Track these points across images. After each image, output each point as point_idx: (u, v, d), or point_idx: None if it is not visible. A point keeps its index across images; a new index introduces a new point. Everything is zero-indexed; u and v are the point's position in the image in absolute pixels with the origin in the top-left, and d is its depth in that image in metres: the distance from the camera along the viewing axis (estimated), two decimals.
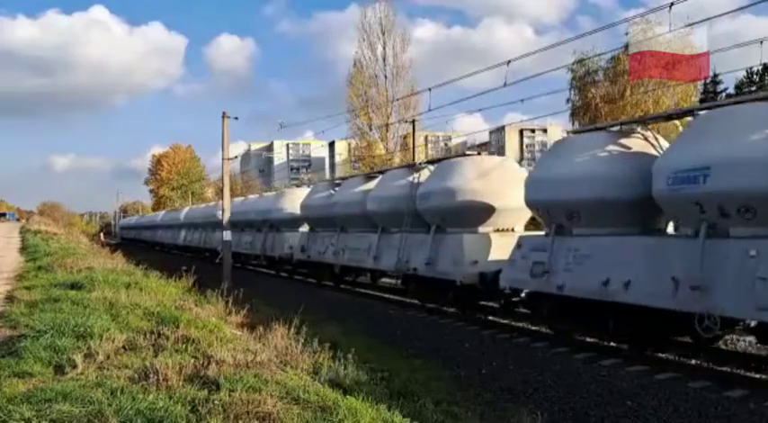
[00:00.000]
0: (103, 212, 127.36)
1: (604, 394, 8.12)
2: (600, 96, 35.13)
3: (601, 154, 10.11)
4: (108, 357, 6.29)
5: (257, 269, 28.36)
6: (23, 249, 24.22)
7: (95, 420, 4.41)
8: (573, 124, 37.24)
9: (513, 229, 13.77)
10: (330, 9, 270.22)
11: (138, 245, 59.87)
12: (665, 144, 10.11)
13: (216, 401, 4.89)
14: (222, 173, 25.40)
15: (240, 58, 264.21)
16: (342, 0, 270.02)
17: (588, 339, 10.86)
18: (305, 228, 23.16)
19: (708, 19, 13.17)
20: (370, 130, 41.45)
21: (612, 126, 11.01)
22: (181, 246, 43.89)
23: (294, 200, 24.16)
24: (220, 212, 30.42)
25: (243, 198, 34.60)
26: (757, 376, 8.59)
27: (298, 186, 29.32)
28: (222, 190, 25.49)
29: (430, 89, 21.10)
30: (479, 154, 15.59)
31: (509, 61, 15.42)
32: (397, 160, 37.30)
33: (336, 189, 20.34)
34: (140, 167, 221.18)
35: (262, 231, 26.74)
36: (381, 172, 18.78)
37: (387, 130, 40.24)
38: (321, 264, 20.20)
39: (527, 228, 14.37)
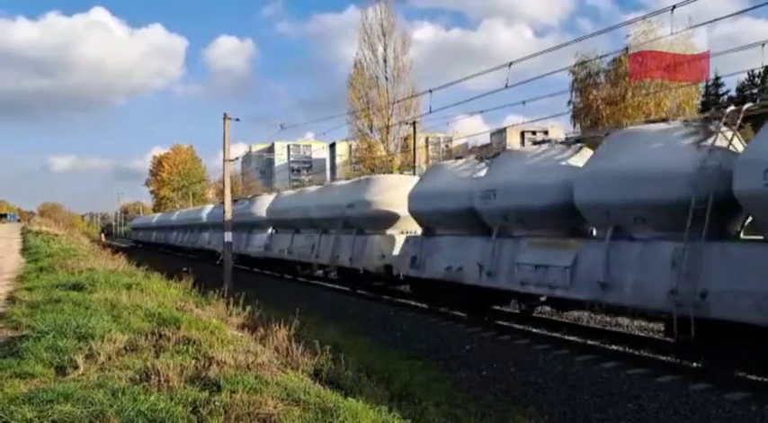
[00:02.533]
0: (104, 213, 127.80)
1: (605, 397, 8.11)
2: (601, 98, 35.10)
3: None
4: (109, 358, 6.30)
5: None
6: (25, 250, 24.23)
7: (97, 421, 4.43)
8: (574, 126, 37.25)
9: None
10: (328, 11, 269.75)
11: (159, 250, 47.67)
12: None
13: (217, 402, 4.90)
14: (223, 174, 25.41)
15: (240, 60, 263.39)
16: (340, 2, 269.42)
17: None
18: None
19: (709, 22, 13.20)
20: (371, 131, 41.50)
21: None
22: (260, 258, 26.44)
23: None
24: (361, 202, 18.05)
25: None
26: (758, 379, 8.58)
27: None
28: (223, 191, 25.49)
29: (431, 91, 21.04)
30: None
31: (510, 63, 15.42)
32: (398, 162, 37.30)
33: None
34: (141, 168, 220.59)
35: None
36: None
37: (387, 132, 40.26)
38: None
39: None
